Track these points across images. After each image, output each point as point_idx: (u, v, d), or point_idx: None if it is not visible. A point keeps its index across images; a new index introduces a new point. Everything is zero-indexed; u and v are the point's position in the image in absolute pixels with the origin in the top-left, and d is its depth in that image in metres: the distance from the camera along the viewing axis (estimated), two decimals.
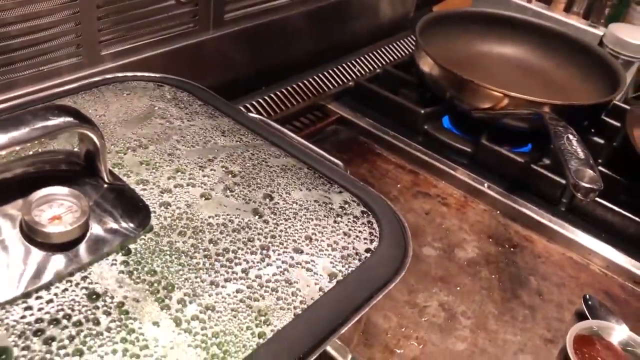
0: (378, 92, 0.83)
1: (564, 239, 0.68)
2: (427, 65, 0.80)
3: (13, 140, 0.30)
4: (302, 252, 0.36)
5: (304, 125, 0.79)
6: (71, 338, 0.28)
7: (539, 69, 0.89)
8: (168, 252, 0.33)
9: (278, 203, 0.38)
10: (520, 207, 0.70)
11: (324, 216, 0.39)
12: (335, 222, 0.39)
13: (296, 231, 0.37)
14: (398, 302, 0.58)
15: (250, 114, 0.51)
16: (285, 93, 0.80)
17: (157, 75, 0.51)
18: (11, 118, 0.31)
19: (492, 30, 0.90)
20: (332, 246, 0.37)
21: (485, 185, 0.73)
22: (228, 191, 0.38)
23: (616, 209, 0.68)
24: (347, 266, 0.36)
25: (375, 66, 0.93)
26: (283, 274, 0.34)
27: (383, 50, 0.96)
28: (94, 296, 0.30)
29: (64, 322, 0.28)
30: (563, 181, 0.70)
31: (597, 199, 0.69)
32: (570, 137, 0.58)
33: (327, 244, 0.37)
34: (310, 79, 0.83)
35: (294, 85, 0.81)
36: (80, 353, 0.27)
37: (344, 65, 0.89)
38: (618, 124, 0.80)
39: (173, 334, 0.30)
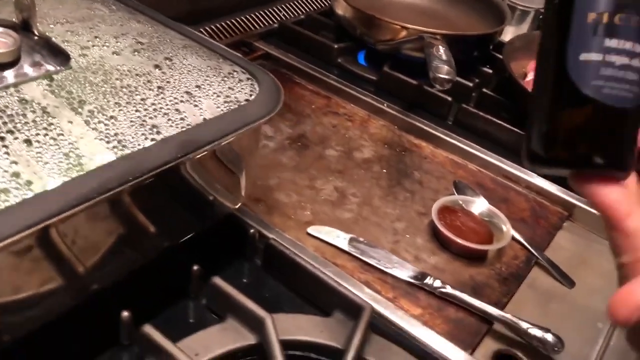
0: (299, 31, 0.94)
1: (449, 145, 0.80)
2: (340, 7, 0.92)
3: None
4: (191, 94, 0.47)
5: None
6: (5, 124, 0.38)
7: (443, 15, 1.01)
8: (83, 82, 0.44)
9: (175, 63, 0.49)
10: (413, 121, 0.82)
11: (214, 75, 0.50)
12: (222, 80, 0.50)
13: (188, 81, 0.48)
14: (299, 186, 0.69)
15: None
16: (215, 29, 0.91)
17: None
18: None
19: None
20: (217, 94, 0.48)
21: (385, 105, 0.84)
22: (135, 52, 0.49)
23: (492, 119, 0.81)
24: (227, 107, 0.48)
25: (300, 12, 1.04)
26: (174, 105, 0.45)
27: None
28: (24, 101, 0.40)
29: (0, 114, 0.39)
30: (450, 98, 0.83)
31: (478, 111, 0.82)
32: (440, 47, 0.70)
33: (213, 92, 0.48)
34: (239, 19, 0.94)
35: (222, 24, 0.92)
36: (12, 132, 0.38)
37: (270, 9, 1.00)
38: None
39: (83, 130, 0.40)
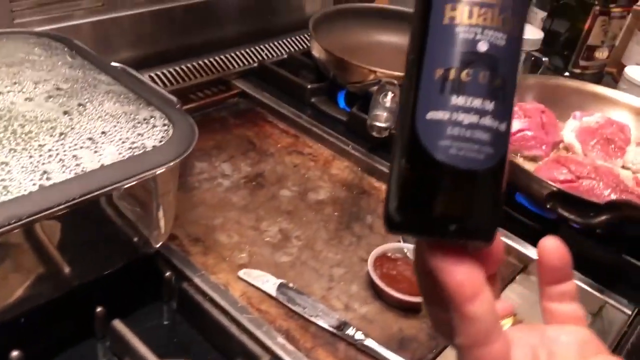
0: (276, 70, 0.96)
1: None
2: (316, 50, 0.93)
3: None
4: (94, 140, 0.48)
5: (206, 96, 0.91)
6: None
7: None
8: None
9: (88, 109, 0.51)
10: (376, 163, 0.82)
11: (126, 121, 0.51)
12: (134, 126, 0.51)
13: (95, 128, 0.49)
14: (243, 226, 0.70)
15: (115, 64, 0.64)
16: (194, 67, 0.93)
17: (41, 29, 0.64)
18: None
19: (383, 22, 1.03)
20: (122, 140, 0.49)
21: (350, 146, 0.84)
22: (49, 98, 0.51)
23: None
24: (130, 153, 0.49)
25: (284, 52, 1.06)
26: (73, 151, 0.47)
27: (296, 39, 1.10)
28: None
29: None
30: None
31: None
32: (389, 94, 0.69)
33: (119, 139, 0.49)
34: (222, 57, 0.97)
35: (202, 62, 0.94)
36: None
37: (255, 48, 1.02)
38: None
39: None
